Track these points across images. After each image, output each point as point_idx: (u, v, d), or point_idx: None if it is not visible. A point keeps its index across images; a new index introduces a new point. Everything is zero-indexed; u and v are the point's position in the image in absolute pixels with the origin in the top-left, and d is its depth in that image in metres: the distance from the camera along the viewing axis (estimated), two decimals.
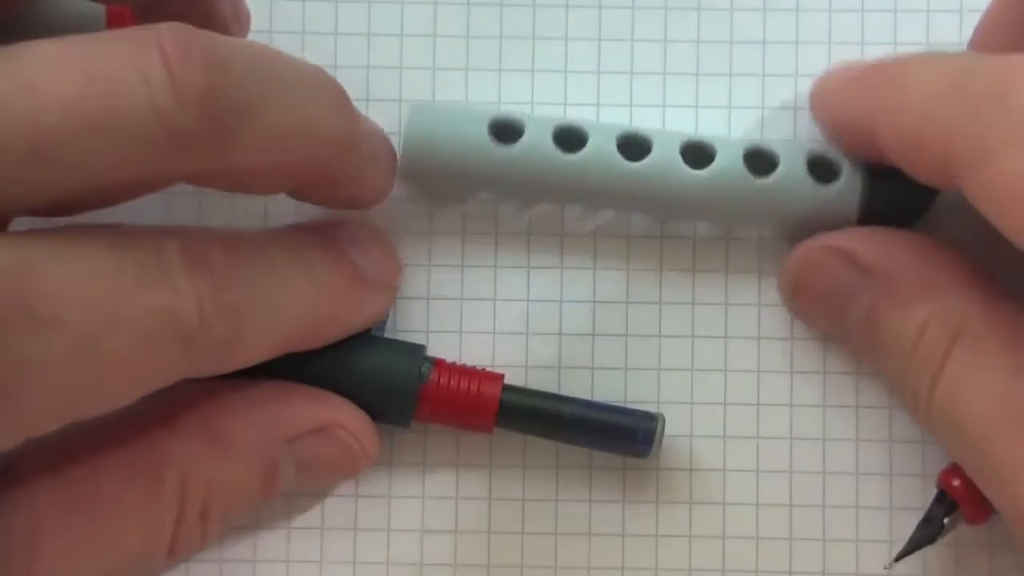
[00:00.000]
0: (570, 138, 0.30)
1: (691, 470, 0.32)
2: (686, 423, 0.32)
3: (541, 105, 0.32)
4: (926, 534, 0.30)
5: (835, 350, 0.32)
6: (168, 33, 0.24)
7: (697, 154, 0.30)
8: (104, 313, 0.24)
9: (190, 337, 0.25)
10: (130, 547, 0.27)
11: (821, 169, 0.30)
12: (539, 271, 0.32)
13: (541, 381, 0.32)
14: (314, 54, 0.32)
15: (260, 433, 0.29)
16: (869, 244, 0.29)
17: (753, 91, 0.33)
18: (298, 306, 0.28)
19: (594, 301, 0.32)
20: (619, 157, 0.30)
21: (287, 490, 0.30)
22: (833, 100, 0.30)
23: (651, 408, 0.31)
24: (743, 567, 0.32)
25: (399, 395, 0.30)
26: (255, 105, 0.25)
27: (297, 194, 0.29)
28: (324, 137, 0.27)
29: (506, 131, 0.30)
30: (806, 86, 0.32)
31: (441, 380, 0.30)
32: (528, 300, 0.32)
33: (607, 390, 0.32)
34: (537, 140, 0.30)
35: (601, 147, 0.30)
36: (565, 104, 0.32)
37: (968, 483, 0.29)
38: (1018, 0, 0.29)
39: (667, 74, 0.33)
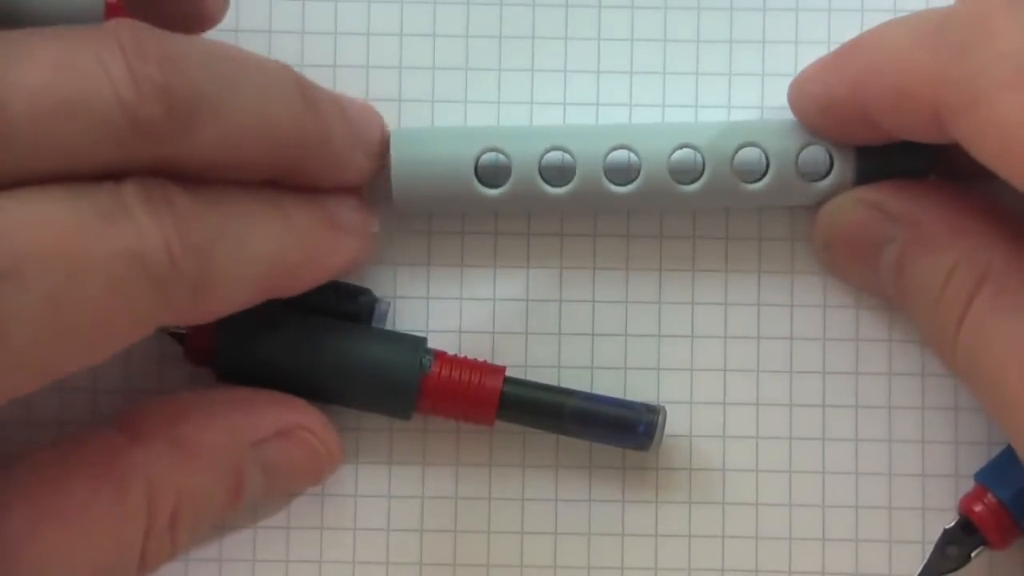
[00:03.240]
0: (557, 172, 0.30)
1: (690, 469, 0.32)
2: (686, 422, 0.32)
3: (541, 105, 0.32)
4: (949, 563, 0.30)
5: (835, 350, 0.32)
6: (125, 30, 0.25)
7: (686, 169, 0.30)
8: (67, 263, 0.24)
9: (161, 278, 0.25)
10: (100, 557, 0.27)
11: (811, 163, 0.30)
12: (538, 271, 0.32)
13: (541, 379, 0.32)
14: (313, 54, 0.32)
15: (225, 439, 0.29)
16: (897, 193, 0.30)
17: (753, 91, 0.33)
18: (271, 245, 0.28)
19: (594, 301, 0.32)
20: (608, 185, 0.30)
21: (253, 498, 0.30)
22: (813, 86, 0.30)
23: None
24: (743, 567, 0.32)
25: (400, 386, 0.30)
26: (212, 101, 0.25)
27: (278, 181, 0.29)
28: (286, 134, 0.27)
29: (491, 173, 0.30)
30: None
31: (442, 372, 0.30)
32: (528, 300, 0.32)
33: (607, 390, 0.32)
34: (523, 179, 0.30)
35: (588, 177, 0.30)
36: (565, 104, 0.32)
37: (991, 508, 0.30)
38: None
39: (667, 74, 0.33)
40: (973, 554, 0.30)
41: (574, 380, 0.32)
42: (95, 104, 0.24)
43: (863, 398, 0.32)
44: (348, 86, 0.32)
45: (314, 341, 0.30)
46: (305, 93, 0.28)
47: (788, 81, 0.31)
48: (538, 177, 0.30)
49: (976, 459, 0.31)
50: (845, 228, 0.30)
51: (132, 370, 0.32)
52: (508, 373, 0.31)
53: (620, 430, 0.31)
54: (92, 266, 0.24)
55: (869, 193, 0.30)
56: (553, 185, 0.30)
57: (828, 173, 0.30)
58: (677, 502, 0.32)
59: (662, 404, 0.31)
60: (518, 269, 0.32)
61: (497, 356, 0.32)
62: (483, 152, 0.30)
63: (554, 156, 0.30)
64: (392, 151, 0.30)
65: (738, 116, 0.32)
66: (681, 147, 0.30)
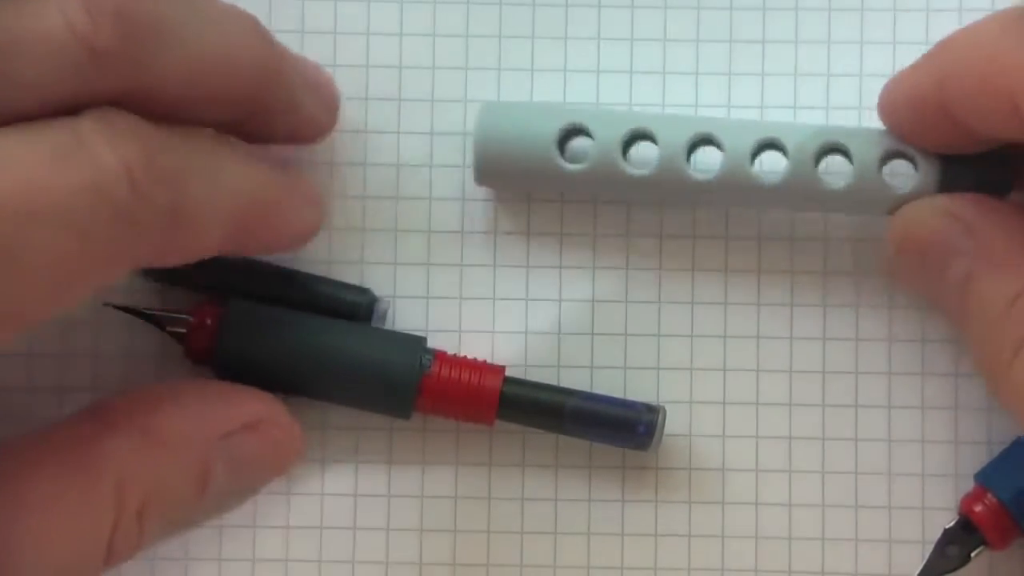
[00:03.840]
0: (639, 146, 0.30)
1: (690, 469, 0.32)
2: (685, 422, 0.32)
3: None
4: (949, 563, 0.30)
5: (835, 349, 0.32)
6: None
7: (768, 153, 0.30)
8: (23, 205, 0.23)
9: (128, 211, 0.24)
10: (67, 546, 0.26)
11: (896, 164, 0.30)
12: (538, 270, 0.32)
13: (540, 378, 0.31)
14: (313, 54, 0.32)
15: (194, 430, 0.28)
16: (977, 207, 0.29)
17: (753, 91, 0.33)
18: (244, 180, 0.27)
19: (593, 300, 0.32)
20: (688, 170, 0.30)
21: (218, 493, 0.29)
22: (901, 85, 0.30)
23: None
24: (743, 567, 0.32)
25: (400, 386, 0.30)
26: (169, 26, 0.25)
27: (236, 128, 0.28)
28: (243, 62, 0.27)
29: (574, 142, 0.30)
30: (806, 85, 0.32)
31: (442, 371, 0.30)
32: (527, 299, 0.32)
33: (607, 389, 0.32)
34: (605, 154, 0.30)
35: (671, 157, 0.30)
36: (564, 104, 0.32)
37: (991, 508, 0.30)
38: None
39: (667, 74, 0.33)
40: (973, 554, 0.30)
41: (574, 379, 0.32)
42: (49, 34, 0.24)
43: (863, 398, 0.32)
44: (348, 86, 0.32)
45: (314, 341, 0.30)
46: (261, 29, 0.28)
47: (788, 81, 0.31)
48: (619, 154, 0.30)
49: (976, 459, 0.31)
50: (920, 234, 0.30)
51: (132, 369, 0.32)
52: (508, 373, 0.31)
53: (620, 430, 0.31)
54: (50, 206, 0.23)
55: (949, 202, 0.29)
56: (634, 165, 0.30)
57: (912, 177, 0.30)
58: (677, 502, 0.32)
59: (662, 404, 0.31)
60: (518, 268, 0.32)
61: (497, 356, 0.32)
62: (566, 129, 0.30)
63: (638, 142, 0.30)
64: (476, 124, 0.30)
65: (738, 116, 0.32)
66: (766, 144, 0.30)
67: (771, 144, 0.30)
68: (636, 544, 0.32)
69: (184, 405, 0.28)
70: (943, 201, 0.29)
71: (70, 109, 0.25)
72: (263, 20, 0.31)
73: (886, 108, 0.30)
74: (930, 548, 0.30)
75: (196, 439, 0.28)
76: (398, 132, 0.32)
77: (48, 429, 0.27)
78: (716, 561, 0.32)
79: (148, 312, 0.31)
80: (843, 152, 0.30)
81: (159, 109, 0.26)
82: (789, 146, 0.30)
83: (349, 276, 0.32)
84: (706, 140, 0.30)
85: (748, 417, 0.32)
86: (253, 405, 0.29)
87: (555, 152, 0.30)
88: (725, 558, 0.32)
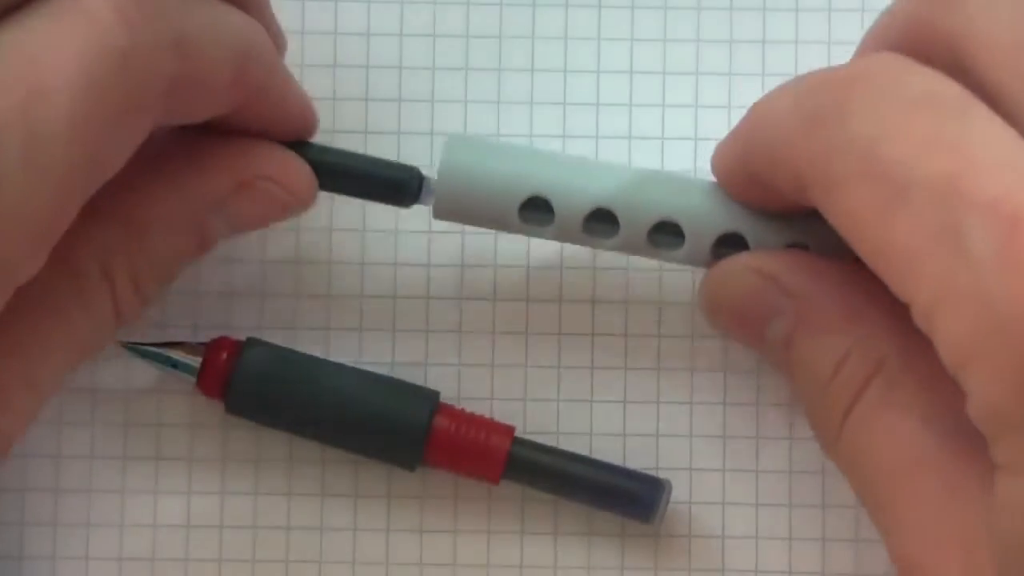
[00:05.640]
0: (601, 225, 0.29)
1: (690, 469, 0.32)
2: (685, 422, 0.32)
3: (540, 105, 0.32)
4: None
5: None
6: None
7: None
8: (34, 84, 0.22)
9: (131, 55, 0.23)
10: (76, 337, 0.27)
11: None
12: (537, 268, 0.32)
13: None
14: (313, 54, 0.32)
15: (180, 206, 0.28)
16: (792, 266, 0.28)
17: (753, 91, 0.32)
18: (241, 19, 0.27)
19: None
20: (649, 247, 0.29)
21: (222, 237, 0.29)
22: (716, 156, 0.29)
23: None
24: (743, 567, 0.31)
25: (407, 440, 0.30)
26: (190, 19, 0.25)
27: (228, 121, 0.28)
28: (236, 34, 0.26)
29: (537, 207, 0.29)
30: None
31: (451, 427, 0.30)
32: (527, 299, 0.32)
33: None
34: (567, 227, 0.29)
35: (631, 238, 0.29)
36: (564, 104, 0.32)
37: None
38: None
39: (666, 74, 0.33)
40: None
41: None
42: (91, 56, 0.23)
43: None
44: (348, 86, 0.32)
45: (326, 386, 0.30)
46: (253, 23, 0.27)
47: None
48: (580, 230, 0.29)
49: None
50: (732, 295, 0.28)
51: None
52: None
53: (623, 502, 0.30)
54: (60, 79, 0.23)
55: (761, 260, 0.28)
56: (595, 236, 0.29)
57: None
58: (676, 501, 0.32)
59: (667, 479, 0.31)
60: (518, 268, 0.32)
61: (498, 359, 0.32)
62: (529, 195, 0.29)
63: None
64: (443, 156, 0.29)
65: (738, 116, 0.32)
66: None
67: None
68: (636, 544, 0.31)
69: (166, 185, 0.28)
70: (753, 260, 0.28)
71: (123, 139, 0.24)
72: None
73: (713, 171, 0.29)
74: None
75: (183, 214, 0.28)
76: (398, 132, 0.32)
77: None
78: (716, 561, 0.31)
79: (157, 348, 0.31)
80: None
81: (188, 99, 0.26)
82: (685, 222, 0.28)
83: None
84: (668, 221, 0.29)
85: (748, 417, 0.32)
86: (243, 163, 0.28)
87: (516, 220, 0.29)
88: (725, 558, 0.31)
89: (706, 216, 0.28)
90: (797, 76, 0.26)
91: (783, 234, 0.28)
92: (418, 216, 0.31)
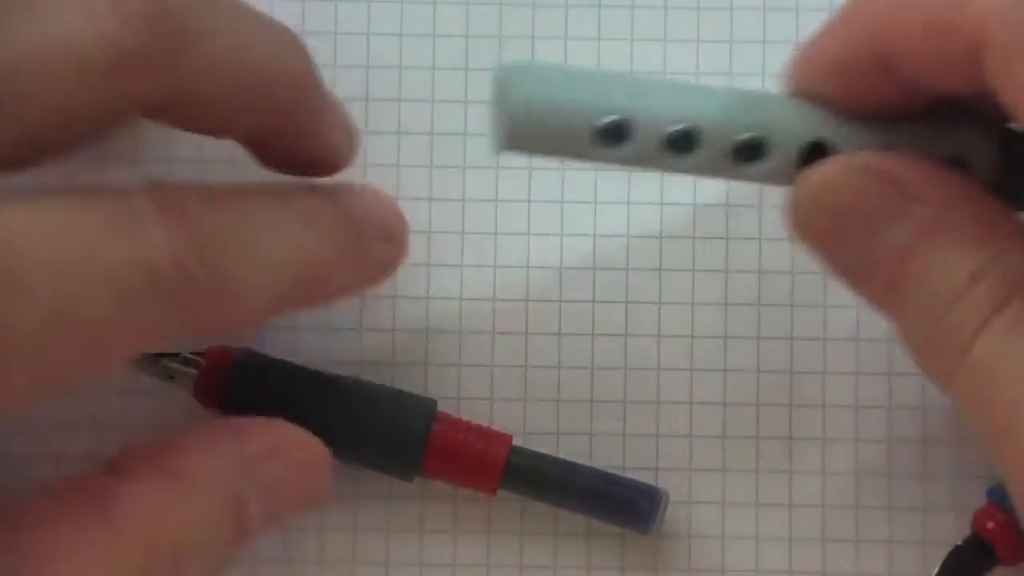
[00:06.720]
0: (681, 146, 0.27)
1: (690, 470, 0.32)
2: (685, 422, 0.32)
3: None
4: None
5: (835, 350, 0.32)
6: None
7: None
8: (75, 273, 0.23)
9: (173, 291, 0.24)
10: None
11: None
12: (538, 269, 0.32)
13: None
14: (313, 54, 0.32)
15: (219, 461, 0.27)
16: (920, 171, 0.25)
17: None
18: (291, 249, 0.26)
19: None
20: (730, 165, 0.27)
21: (252, 528, 0.27)
22: (824, 47, 0.26)
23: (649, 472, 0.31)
24: (743, 567, 0.31)
25: (405, 450, 0.30)
26: (202, 29, 0.24)
27: (261, 146, 0.28)
28: (278, 72, 0.26)
29: (613, 132, 0.27)
30: None
31: (448, 437, 0.30)
32: (527, 299, 0.32)
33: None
34: (645, 148, 0.27)
35: (713, 156, 0.26)
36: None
37: (1004, 525, 0.29)
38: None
39: (667, 74, 0.33)
40: (985, 572, 0.30)
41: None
42: (76, 40, 0.23)
43: (863, 398, 0.32)
44: (348, 86, 0.32)
45: (322, 399, 0.30)
46: (300, 44, 0.27)
47: None
48: (662, 154, 0.27)
49: (976, 459, 0.31)
50: (839, 199, 0.25)
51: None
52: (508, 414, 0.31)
53: (620, 511, 0.30)
54: (101, 277, 0.23)
55: (881, 161, 0.25)
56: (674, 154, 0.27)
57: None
58: (676, 501, 0.32)
59: (660, 474, 0.31)
60: (518, 268, 0.32)
61: (498, 358, 0.32)
62: (608, 119, 0.26)
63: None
64: (514, 89, 0.26)
65: None
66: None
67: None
68: (636, 544, 0.31)
69: (206, 442, 0.27)
70: (870, 159, 0.25)
71: (97, 117, 0.24)
72: None
73: (801, 75, 0.26)
74: (930, 548, 0.31)
75: (224, 473, 0.27)
76: (398, 132, 0.32)
77: (64, 482, 0.25)
78: (717, 561, 0.31)
79: (155, 359, 0.31)
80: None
81: (189, 115, 0.26)
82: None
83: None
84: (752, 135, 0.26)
85: (748, 417, 0.32)
86: (274, 432, 0.28)
87: (593, 146, 0.27)
88: (726, 558, 0.31)
89: (793, 126, 0.26)
90: None
91: (881, 142, 0.26)
92: (418, 216, 0.31)
